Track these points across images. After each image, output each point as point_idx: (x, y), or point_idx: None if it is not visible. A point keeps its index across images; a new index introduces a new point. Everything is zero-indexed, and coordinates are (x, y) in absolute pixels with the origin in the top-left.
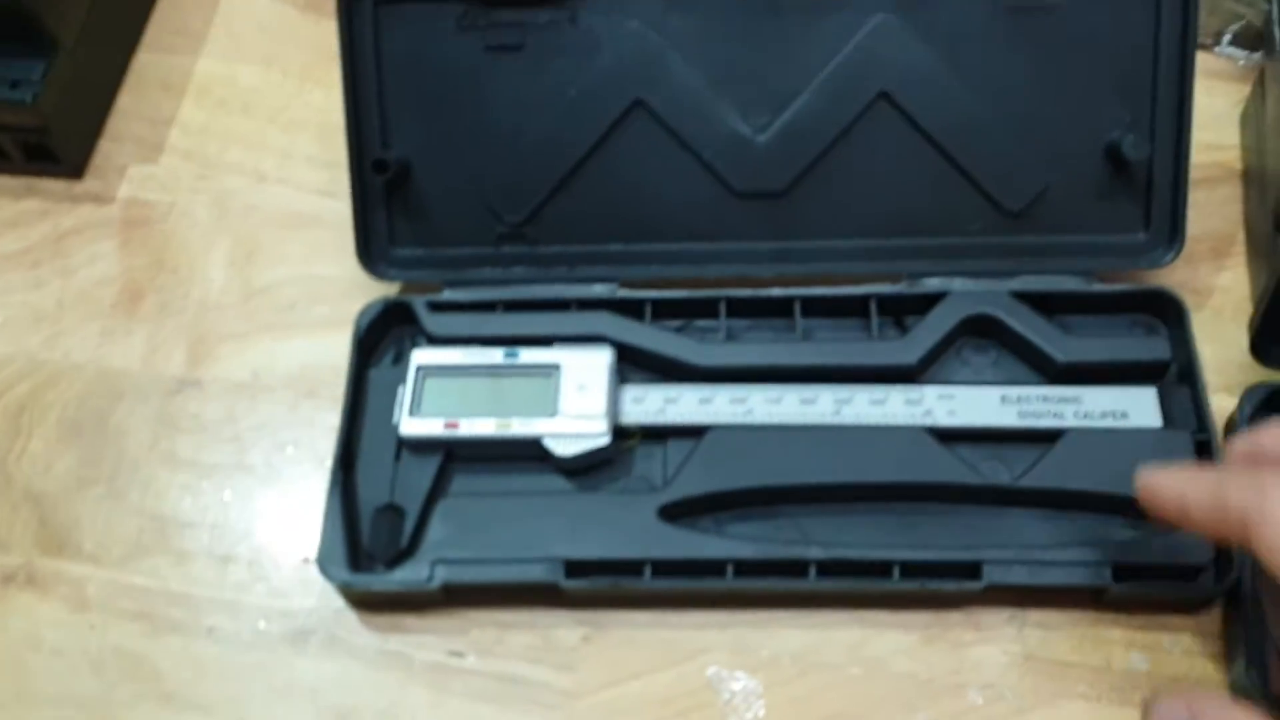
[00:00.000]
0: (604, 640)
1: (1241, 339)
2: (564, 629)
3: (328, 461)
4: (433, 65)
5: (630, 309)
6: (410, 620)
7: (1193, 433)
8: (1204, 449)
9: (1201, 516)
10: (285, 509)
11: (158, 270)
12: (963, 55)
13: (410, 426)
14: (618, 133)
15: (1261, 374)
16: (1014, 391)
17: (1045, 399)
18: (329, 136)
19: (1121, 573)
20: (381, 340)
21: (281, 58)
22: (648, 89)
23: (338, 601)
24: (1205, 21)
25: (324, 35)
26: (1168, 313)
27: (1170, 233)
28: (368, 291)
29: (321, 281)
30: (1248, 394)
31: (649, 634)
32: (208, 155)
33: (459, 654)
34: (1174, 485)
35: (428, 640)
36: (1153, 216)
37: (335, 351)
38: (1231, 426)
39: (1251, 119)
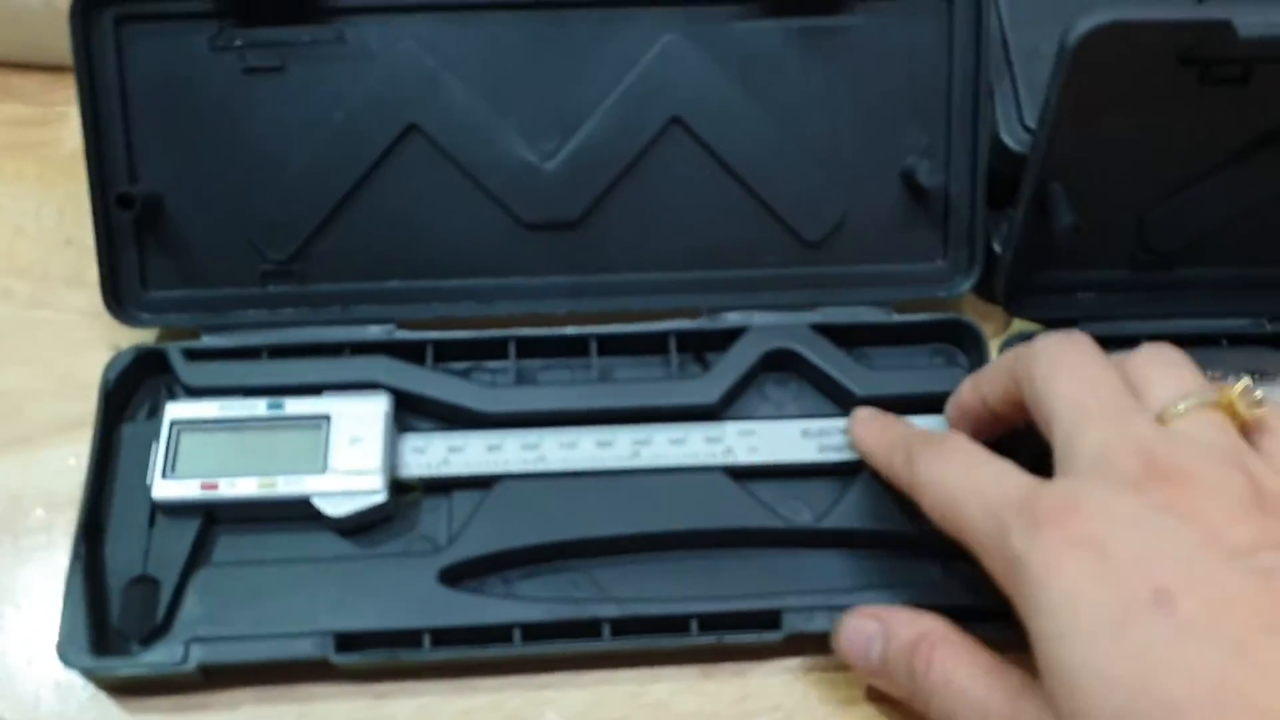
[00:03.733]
0: None
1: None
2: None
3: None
4: (185, 89)
5: (409, 352)
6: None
7: None
8: None
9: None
10: None
11: None
12: (756, 79)
13: (163, 489)
14: (391, 160)
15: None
16: (815, 425)
17: (846, 432)
18: None
19: None
20: (135, 393)
21: None
22: (422, 113)
23: None
24: None
25: None
26: (965, 340)
27: (968, 259)
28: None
29: None
30: (1002, 348)
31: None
32: None
33: None
34: (867, 437)
35: None
36: (950, 243)
37: None
38: None
39: None
